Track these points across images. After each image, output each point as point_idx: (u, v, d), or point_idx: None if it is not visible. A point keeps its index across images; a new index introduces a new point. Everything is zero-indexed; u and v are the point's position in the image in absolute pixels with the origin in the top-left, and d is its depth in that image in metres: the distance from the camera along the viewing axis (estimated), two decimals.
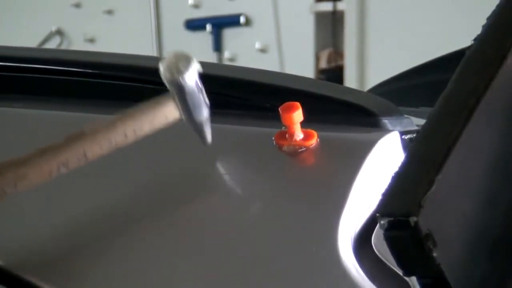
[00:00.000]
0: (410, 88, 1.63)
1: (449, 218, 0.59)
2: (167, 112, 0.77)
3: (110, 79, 0.98)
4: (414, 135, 0.78)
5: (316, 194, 0.78)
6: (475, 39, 0.68)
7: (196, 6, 4.06)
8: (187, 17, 4.07)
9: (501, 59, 0.65)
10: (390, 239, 0.56)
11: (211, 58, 3.92)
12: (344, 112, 0.89)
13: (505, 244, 0.65)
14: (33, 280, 0.67)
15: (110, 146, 0.73)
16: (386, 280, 0.69)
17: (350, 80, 3.54)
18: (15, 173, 0.68)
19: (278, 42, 3.87)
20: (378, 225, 0.57)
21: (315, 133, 0.82)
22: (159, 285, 0.67)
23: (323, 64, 3.79)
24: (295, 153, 0.81)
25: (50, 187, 0.71)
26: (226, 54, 4.03)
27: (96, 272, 0.69)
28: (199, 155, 0.83)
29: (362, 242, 0.73)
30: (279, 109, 0.81)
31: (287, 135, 0.82)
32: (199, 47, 3.93)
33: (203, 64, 0.77)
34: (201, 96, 0.78)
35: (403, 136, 0.86)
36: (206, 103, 0.78)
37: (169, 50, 3.99)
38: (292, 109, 0.81)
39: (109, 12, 4.21)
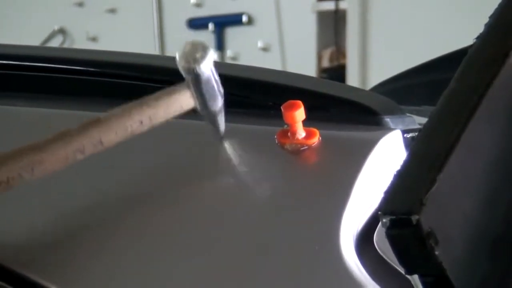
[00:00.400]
0: (412, 87, 1.63)
1: (450, 217, 0.59)
2: (182, 101, 0.76)
3: (112, 77, 0.98)
4: (416, 133, 0.78)
5: (318, 192, 0.78)
6: (477, 38, 0.68)
7: (198, 5, 4.06)
8: (189, 16, 4.07)
9: (503, 58, 0.65)
10: (392, 237, 0.57)
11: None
12: (346, 111, 0.89)
13: (506, 243, 0.65)
14: (32, 276, 0.67)
15: (125, 133, 0.73)
16: (388, 279, 0.69)
17: (352, 79, 3.53)
18: (32, 158, 0.68)
19: (280, 41, 3.87)
20: (380, 223, 0.57)
21: (317, 132, 0.82)
22: (159, 283, 0.67)
23: (325, 63, 3.79)
24: (297, 151, 0.81)
25: (50, 183, 0.71)
26: (229, 53, 4.03)
27: (96, 268, 0.69)
28: (201, 153, 0.83)
29: (364, 240, 0.73)
30: (281, 107, 0.82)
31: (289, 134, 0.81)
32: None
33: None
34: (216, 85, 0.78)
35: (405, 135, 0.86)
36: (220, 93, 0.78)
37: (171, 49, 4.00)
38: (294, 108, 0.81)
39: (112, 11, 4.22)
